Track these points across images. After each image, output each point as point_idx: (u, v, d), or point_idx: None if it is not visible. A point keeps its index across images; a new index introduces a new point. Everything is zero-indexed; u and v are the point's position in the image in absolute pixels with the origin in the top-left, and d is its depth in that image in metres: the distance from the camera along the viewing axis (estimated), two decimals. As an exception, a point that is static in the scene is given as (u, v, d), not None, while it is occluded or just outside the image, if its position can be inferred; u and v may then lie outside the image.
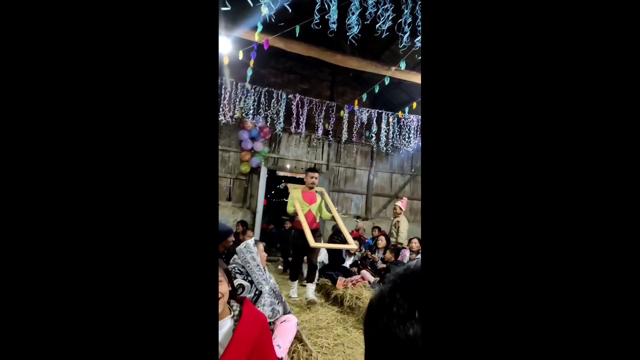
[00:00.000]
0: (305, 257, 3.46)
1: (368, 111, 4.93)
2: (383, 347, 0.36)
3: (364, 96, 4.23)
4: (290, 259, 4.08)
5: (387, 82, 3.54)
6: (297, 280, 3.40)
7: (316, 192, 3.42)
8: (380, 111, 5.01)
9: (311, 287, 3.26)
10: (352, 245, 3.20)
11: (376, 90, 3.86)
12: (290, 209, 3.24)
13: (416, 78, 3.68)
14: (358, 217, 6.16)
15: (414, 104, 4.19)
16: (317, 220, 3.36)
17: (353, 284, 3.29)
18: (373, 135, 5.06)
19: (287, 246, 5.00)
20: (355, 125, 5.01)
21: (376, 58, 4.33)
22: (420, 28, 2.47)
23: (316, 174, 3.37)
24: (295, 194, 3.28)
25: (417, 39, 2.52)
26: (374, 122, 4.96)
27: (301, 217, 3.09)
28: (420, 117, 5.04)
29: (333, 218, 3.35)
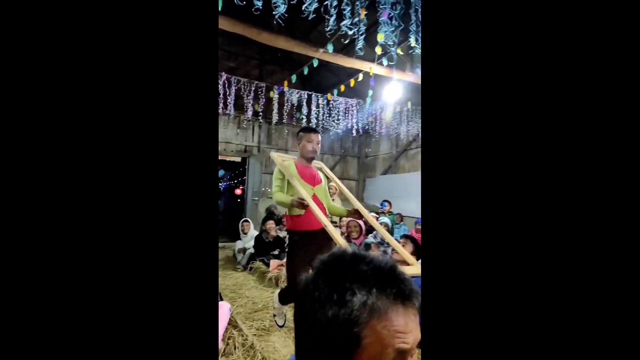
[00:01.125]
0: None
1: (298, 93, 4.90)
2: (308, 330, 0.38)
3: (294, 77, 4.18)
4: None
5: (315, 64, 3.55)
6: (287, 305, 2.04)
7: (317, 168, 2.06)
8: (310, 93, 5.02)
9: None
10: (407, 257, 1.59)
11: (305, 72, 3.84)
12: (278, 196, 1.77)
13: (343, 61, 3.75)
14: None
15: (342, 87, 4.28)
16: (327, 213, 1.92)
17: (288, 265, 3.35)
18: (304, 116, 5.06)
19: None
20: (285, 107, 4.95)
21: (304, 38, 4.28)
22: (346, 12, 2.51)
23: (319, 137, 1.94)
24: (289, 168, 1.82)
25: (343, 22, 2.55)
26: (304, 103, 4.95)
27: (313, 207, 1.58)
28: (347, 99, 5.18)
29: (351, 213, 1.87)
